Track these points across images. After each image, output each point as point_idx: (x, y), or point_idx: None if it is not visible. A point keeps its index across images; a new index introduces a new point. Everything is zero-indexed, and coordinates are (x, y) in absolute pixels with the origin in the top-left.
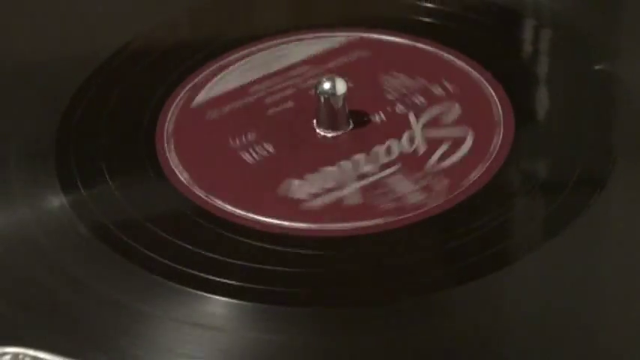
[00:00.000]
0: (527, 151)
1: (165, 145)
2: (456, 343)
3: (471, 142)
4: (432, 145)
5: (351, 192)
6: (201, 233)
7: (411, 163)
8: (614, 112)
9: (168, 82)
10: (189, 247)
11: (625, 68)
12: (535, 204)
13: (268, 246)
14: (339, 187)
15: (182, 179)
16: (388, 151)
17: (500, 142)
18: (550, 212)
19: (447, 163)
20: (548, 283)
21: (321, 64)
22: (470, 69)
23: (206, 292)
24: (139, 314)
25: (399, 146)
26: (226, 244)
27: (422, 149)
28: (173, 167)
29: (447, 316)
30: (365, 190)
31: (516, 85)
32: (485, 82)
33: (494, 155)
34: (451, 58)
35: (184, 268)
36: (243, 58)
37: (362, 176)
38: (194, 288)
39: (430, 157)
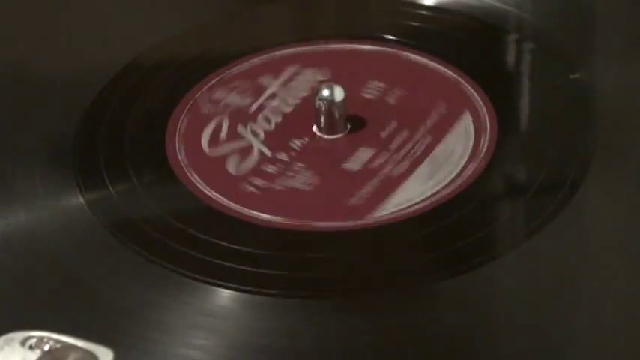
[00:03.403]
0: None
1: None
2: (439, 334)
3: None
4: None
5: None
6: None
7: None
8: (589, 118)
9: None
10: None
11: (599, 77)
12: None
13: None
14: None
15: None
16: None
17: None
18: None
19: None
20: (529, 279)
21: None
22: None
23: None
24: (152, 304)
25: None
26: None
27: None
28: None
29: (436, 309)
30: None
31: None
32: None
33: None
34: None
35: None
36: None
37: None
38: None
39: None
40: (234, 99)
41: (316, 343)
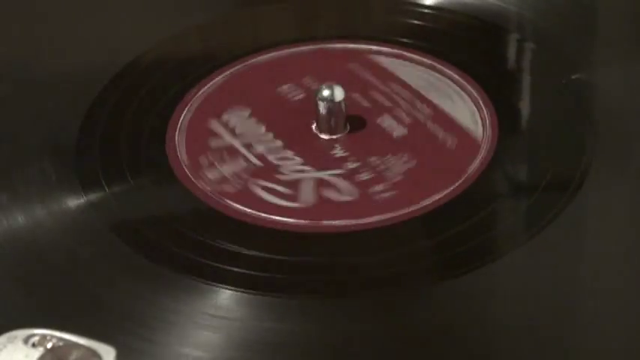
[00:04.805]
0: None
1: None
2: (440, 334)
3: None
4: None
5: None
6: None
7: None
8: (590, 118)
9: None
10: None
11: (600, 77)
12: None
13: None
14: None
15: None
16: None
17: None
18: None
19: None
20: (529, 279)
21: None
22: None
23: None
24: (153, 303)
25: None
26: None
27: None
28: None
29: (436, 309)
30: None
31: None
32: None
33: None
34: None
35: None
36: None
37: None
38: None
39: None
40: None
41: (316, 343)
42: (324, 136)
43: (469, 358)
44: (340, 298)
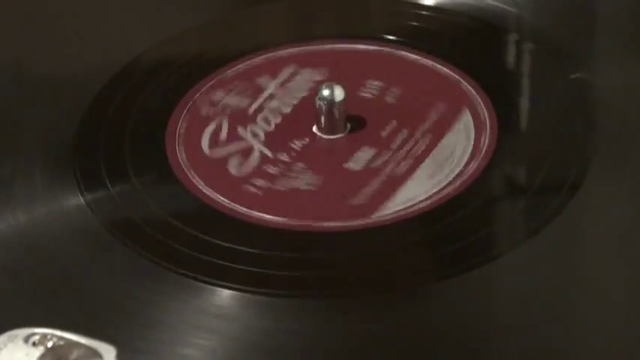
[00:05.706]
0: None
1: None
2: (439, 334)
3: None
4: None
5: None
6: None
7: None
8: (589, 118)
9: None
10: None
11: (599, 77)
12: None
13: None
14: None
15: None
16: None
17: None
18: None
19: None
20: (529, 279)
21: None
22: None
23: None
24: (152, 303)
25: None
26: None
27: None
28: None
29: (436, 309)
30: None
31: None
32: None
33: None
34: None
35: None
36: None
37: None
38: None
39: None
40: (233, 100)
41: (316, 343)
42: (324, 136)
43: (469, 358)
44: (340, 298)
